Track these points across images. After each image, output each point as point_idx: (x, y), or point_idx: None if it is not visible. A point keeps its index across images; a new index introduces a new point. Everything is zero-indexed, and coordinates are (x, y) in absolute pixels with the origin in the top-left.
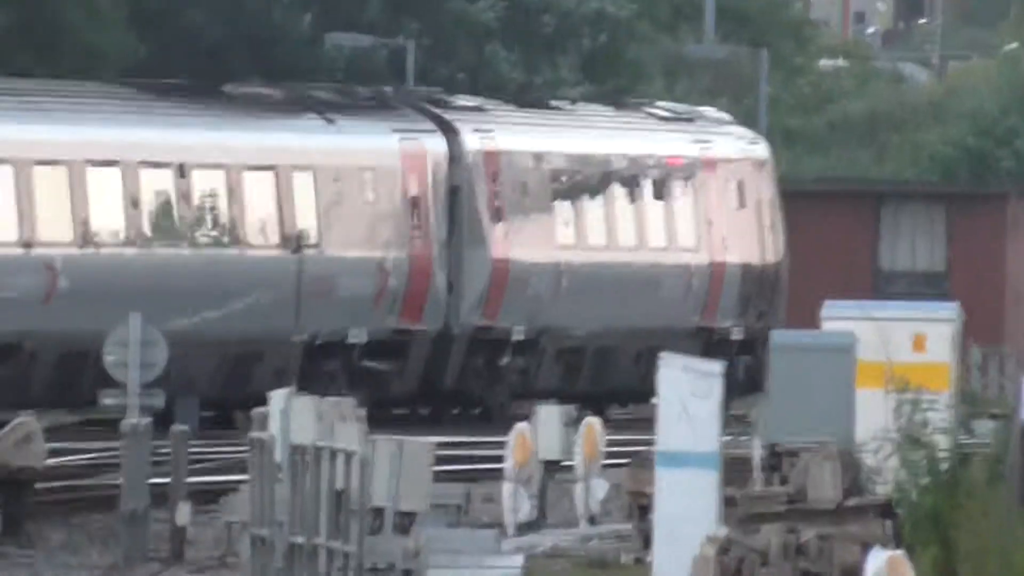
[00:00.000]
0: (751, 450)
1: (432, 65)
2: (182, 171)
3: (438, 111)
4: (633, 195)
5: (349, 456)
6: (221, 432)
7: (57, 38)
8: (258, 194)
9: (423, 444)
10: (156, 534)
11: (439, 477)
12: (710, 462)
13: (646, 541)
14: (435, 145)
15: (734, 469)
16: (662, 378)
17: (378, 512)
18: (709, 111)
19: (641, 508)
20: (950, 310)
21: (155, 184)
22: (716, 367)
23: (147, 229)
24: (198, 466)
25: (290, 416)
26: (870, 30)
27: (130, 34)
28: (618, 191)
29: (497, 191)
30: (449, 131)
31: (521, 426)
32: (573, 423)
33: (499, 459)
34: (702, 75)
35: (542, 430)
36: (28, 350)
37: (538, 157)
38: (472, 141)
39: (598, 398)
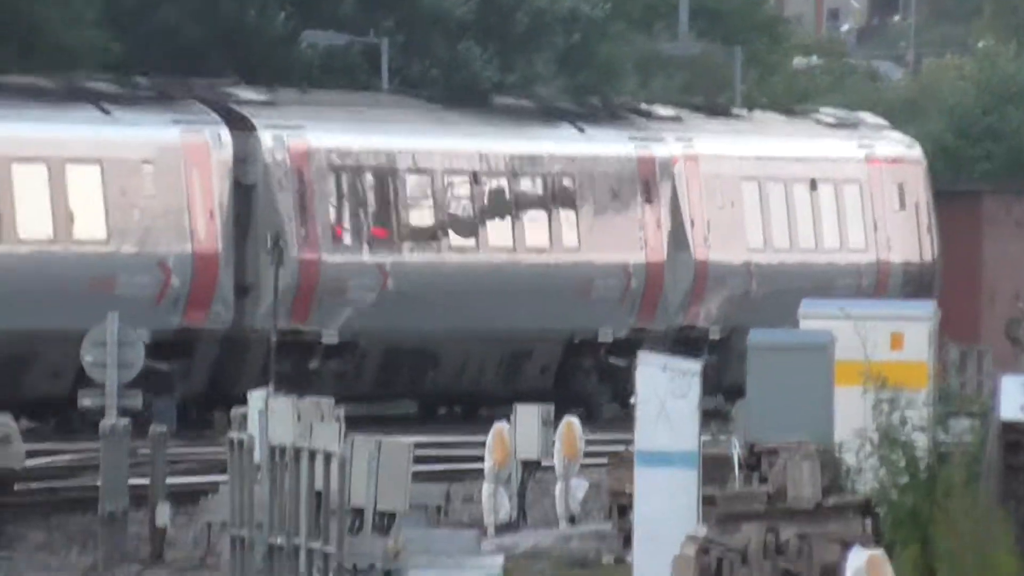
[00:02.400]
0: (731, 449)
1: (406, 62)
2: (476, 178)
3: (642, 119)
4: (810, 197)
5: (328, 456)
6: (200, 432)
7: (33, 37)
8: (531, 200)
9: (401, 444)
10: (136, 535)
11: (418, 477)
12: (689, 461)
13: (626, 541)
14: (662, 151)
15: (714, 468)
16: (640, 377)
17: (358, 512)
18: (868, 116)
19: (621, 508)
20: (927, 308)
21: (457, 190)
22: (694, 366)
23: (451, 233)
24: (177, 466)
25: (268, 417)
26: (844, 27)
27: (103, 32)
28: (797, 193)
29: (697, 195)
30: (658, 140)
31: (499, 426)
32: (551, 423)
33: (479, 459)
34: (677, 72)
35: (521, 430)
36: (361, 347)
37: (730, 162)
38: (676, 148)
39: None
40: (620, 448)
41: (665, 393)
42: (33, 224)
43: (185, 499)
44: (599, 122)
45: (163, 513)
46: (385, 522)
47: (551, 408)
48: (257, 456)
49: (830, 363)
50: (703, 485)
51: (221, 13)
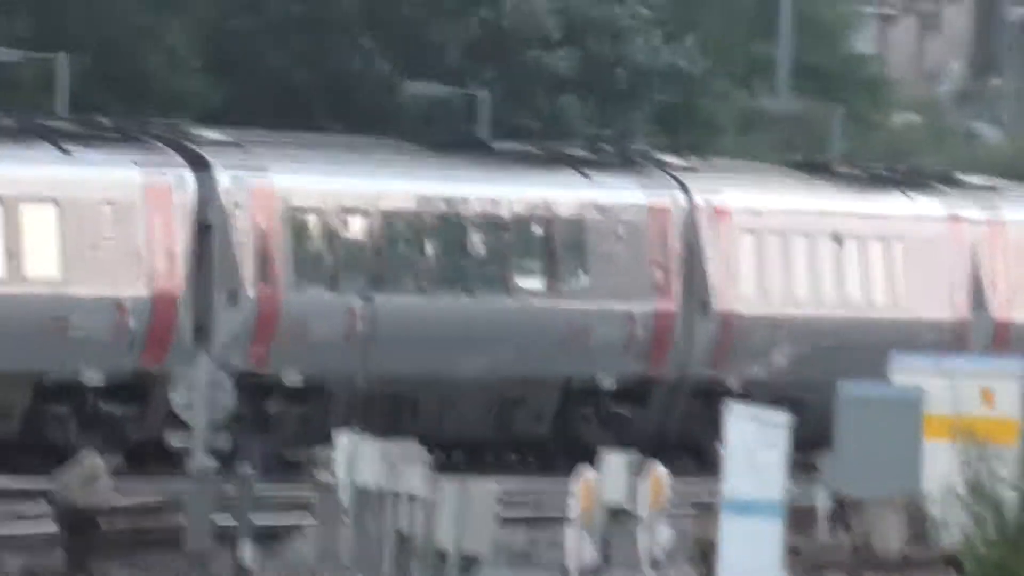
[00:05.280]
0: (817, 500)
1: (507, 113)
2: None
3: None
4: None
5: (413, 499)
6: (287, 474)
7: (140, 84)
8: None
9: (488, 487)
10: (221, 574)
11: (504, 521)
12: (775, 511)
13: None
14: (969, 216)
15: (800, 518)
16: (729, 427)
17: (442, 555)
18: None
19: (706, 555)
20: (1019, 366)
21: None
22: (783, 418)
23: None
24: (264, 507)
25: (356, 458)
26: (943, 87)
27: (209, 78)
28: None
29: (1001, 261)
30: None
31: (587, 472)
32: (638, 470)
33: (564, 505)
34: (776, 129)
35: (607, 476)
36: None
37: None
38: (982, 215)
39: None
40: (705, 497)
41: (754, 443)
42: None
43: (270, 539)
44: (918, 188)
45: (249, 553)
46: (469, 565)
47: (638, 456)
48: (343, 498)
49: (919, 417)
50: (788, 535)
51: (328, 60)
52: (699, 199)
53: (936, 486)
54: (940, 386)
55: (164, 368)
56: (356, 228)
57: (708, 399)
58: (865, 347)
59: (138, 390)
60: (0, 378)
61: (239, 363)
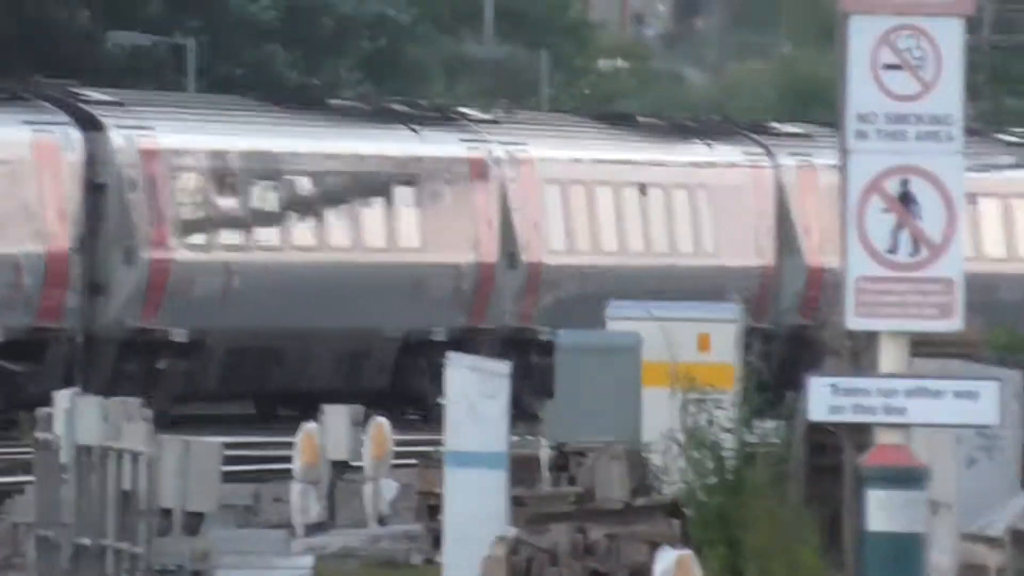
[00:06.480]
0: (540, 450)
1: (212, 63)
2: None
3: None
4: None
5: (136, 456)
6: (5, 433)
7: None
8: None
9: (211, 444)
10: None
11: (228, 478)
12: (498, 462)
13: (436, 541)
14: (783, 163)
15: (523, 469)
16: (450, 378)
17: (166, 513)
18: None
19: (431, 508)
20: (733, 310)
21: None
22: (504, 367)
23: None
24: None
25: (75, 416)
26: (649, 32)
27: None
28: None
29: (814, 204)
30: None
31: (309, 426)
32: (361, 423)
33: (288, 459)
34: (483, 76)
35: (330, 430)
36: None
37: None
38: (793, 161)
39: None
40: (430, 449)
41: (475, 394)
42: None
43: None
44: (723, 137)
45: None
46: (194, 522)
47: (360, 409)
48: (63, 456)
49: (638, 364)
50: (512, 486)
51: (24, 10)
52: (502, 152)
53: (656, 434)
54: (656, 333)
55: (59, 325)
56: (229, 186)
57: (520, 349)
58: (672, 294)
59: (35, 347)
60: None
61: (133, 320)
